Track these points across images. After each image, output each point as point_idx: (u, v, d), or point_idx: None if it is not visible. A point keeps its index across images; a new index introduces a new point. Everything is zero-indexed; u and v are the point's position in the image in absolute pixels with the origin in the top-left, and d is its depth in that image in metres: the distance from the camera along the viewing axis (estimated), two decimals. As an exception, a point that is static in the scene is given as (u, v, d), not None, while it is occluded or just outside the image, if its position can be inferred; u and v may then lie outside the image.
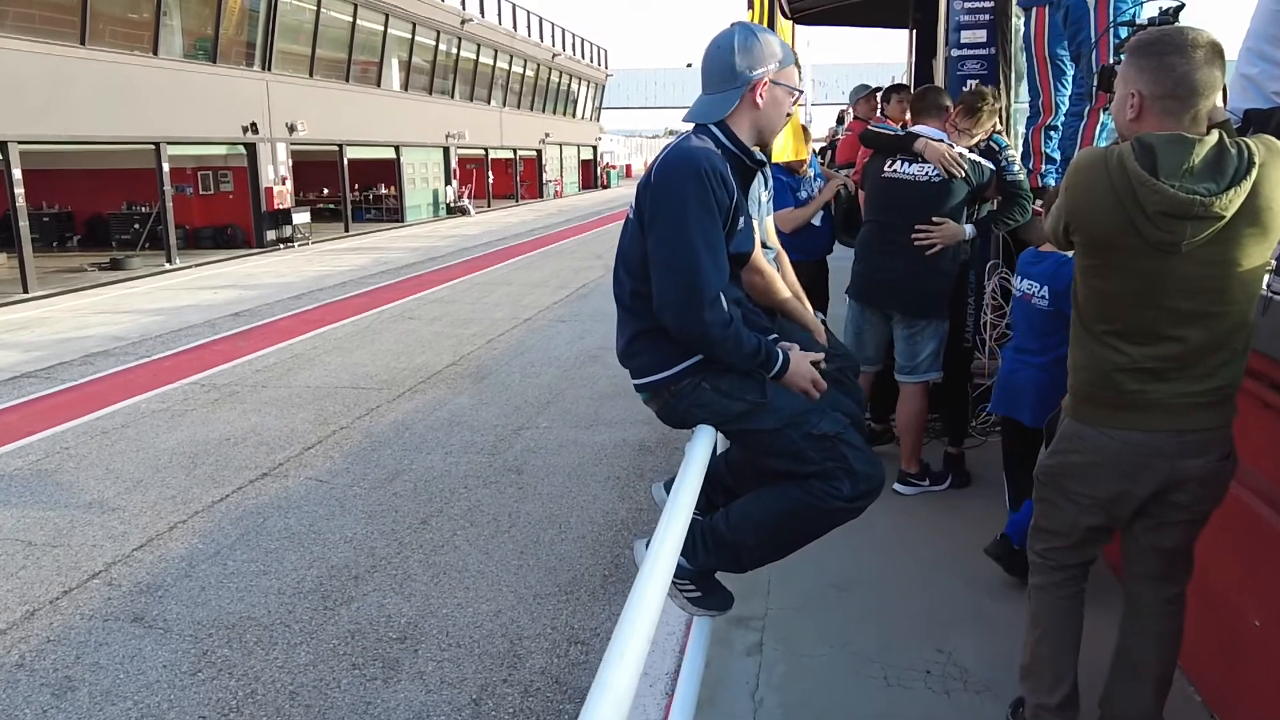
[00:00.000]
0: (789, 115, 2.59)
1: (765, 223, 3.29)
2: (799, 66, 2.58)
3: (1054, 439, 2.68)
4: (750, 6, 5.60)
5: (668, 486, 3.01)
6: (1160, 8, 2.93)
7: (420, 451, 7.19)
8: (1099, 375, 2.47)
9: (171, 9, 20.93)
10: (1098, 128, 4.59)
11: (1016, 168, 4.91)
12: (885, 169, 4.72)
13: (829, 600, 4.14)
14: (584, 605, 4.72)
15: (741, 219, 2.53)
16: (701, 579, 2.73)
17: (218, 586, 5.06)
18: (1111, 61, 2.76)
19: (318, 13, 25.83)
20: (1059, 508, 2.66)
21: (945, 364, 4.97)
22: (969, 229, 4.66)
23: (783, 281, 3.09)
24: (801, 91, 2.58)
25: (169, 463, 7.13)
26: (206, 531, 5.80)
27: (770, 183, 3.41)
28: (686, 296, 2.37)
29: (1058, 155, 5.39)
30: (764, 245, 3.18)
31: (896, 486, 5.03)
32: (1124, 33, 3.85)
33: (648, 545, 2.73)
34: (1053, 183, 5.43)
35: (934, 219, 4.56)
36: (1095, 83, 4.24)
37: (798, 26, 8.53)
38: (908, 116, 5.33)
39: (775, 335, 2.75)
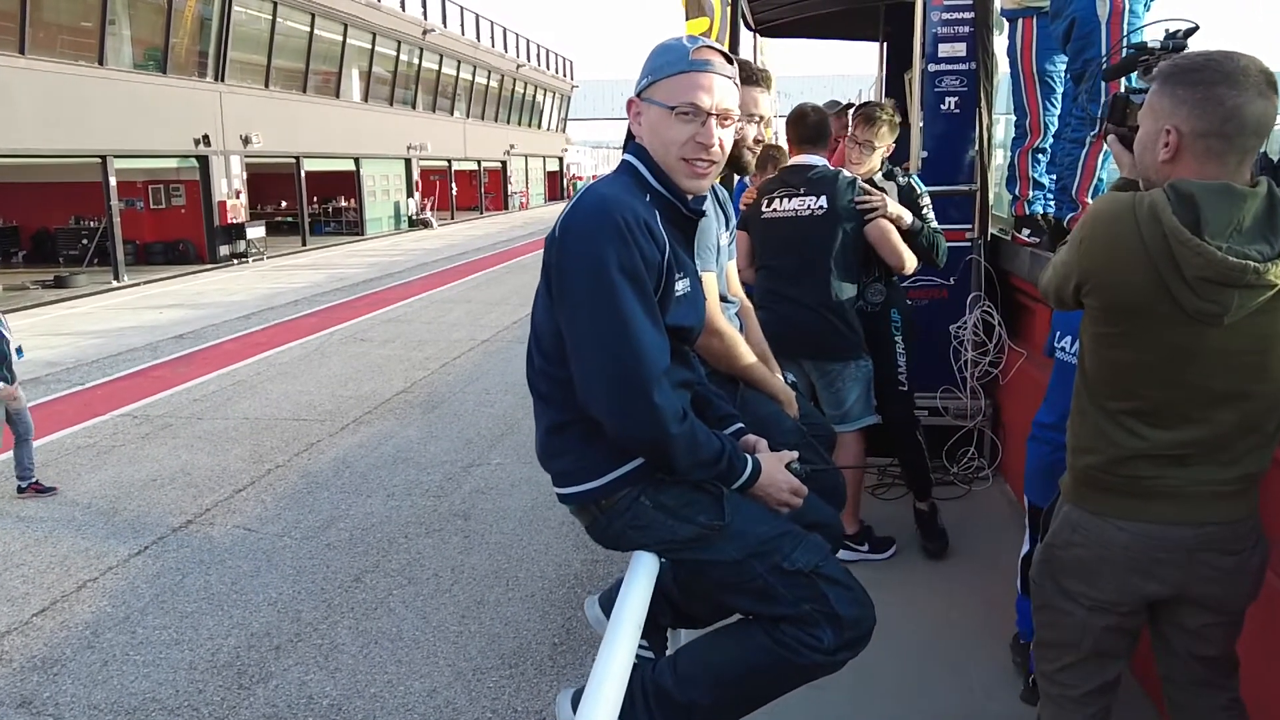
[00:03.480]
0: (704, 144, 1.96)
1: (726, 269, 2.81)
2: (718, 75, 1.95)
3: (1052, 529, 2.25)
4: (689, 16, 5.11)
5: (603, 603, 2.50)
6: (1167, 30, 2.46)
7: (359, 494, 6.67)
8: (1110, 460, 2.05)
9: (120, 18, 20.30)
10: (1101, 156, 4.16)
11: (932, 216, 4.46)
12: (765, 209, 4.23)
13: (801, 703, 3.58)
14: (529, 681, 4.24)
15: (680, 282, 1.99)
16: None
17: (122, 660, 4.54)
18: (1124, 87, 2.28)
19: (273, 22, 25.24)
20: (1062, 612, 2.21)
21: (882, 410, 4.46)
22: (909, 217, 4.15)
23: (746, 344, 2.63)
24: (690, 110, 1.95)
25: (87, 508, 6.58)
26: (118, 592, 5.26)
27: (733, 222, 2.89)
28: (622, 381, 1.85)
29: (1046, 181, 4.98)
30: (724, 299, 2.72)
31: None
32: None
33: (573, 701, 2.26)
34: (1040, 209, 5.02)
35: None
36: (1102, 111, 3.79)
37: (763, 40, 8.13)
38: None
39: (741, 425, 2.26)
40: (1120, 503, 2.06)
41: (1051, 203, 4.91)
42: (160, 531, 6.11)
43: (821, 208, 4.07)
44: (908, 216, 4.12)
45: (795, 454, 2.16)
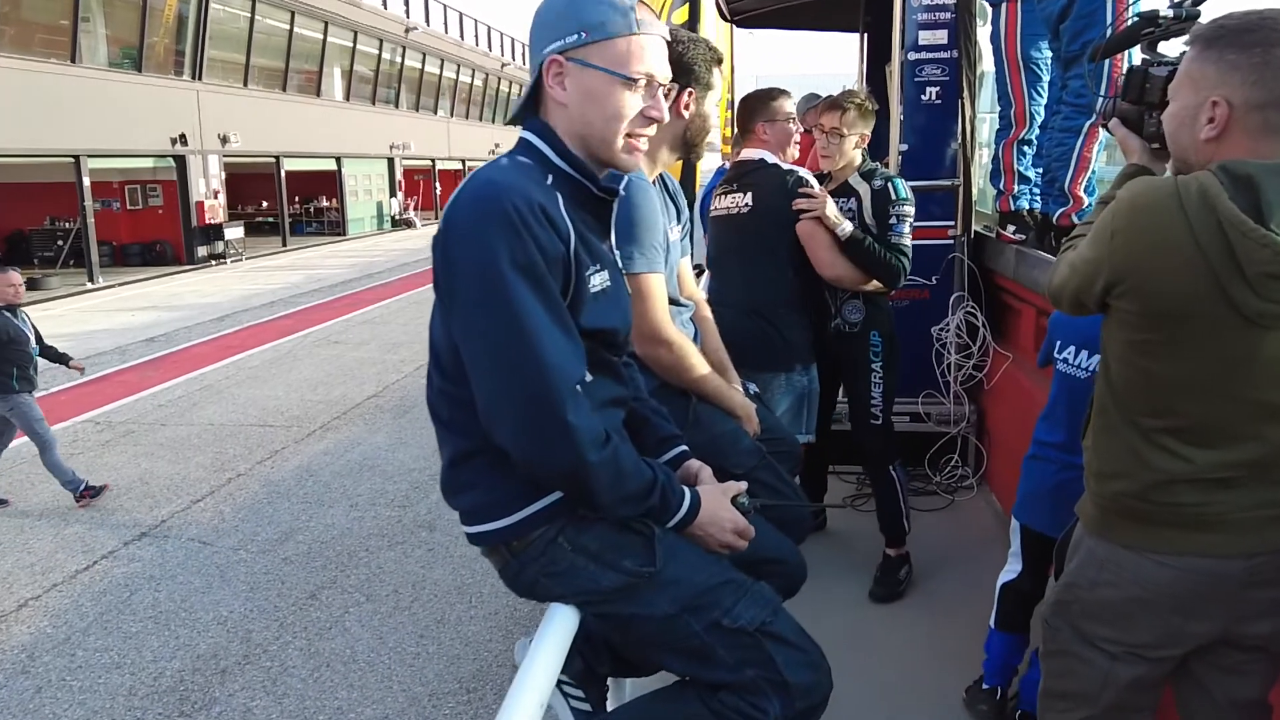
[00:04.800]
0: (655, 118, 1.73)
1: (679, 269, 2.55)
2: (661, 37, 1.71)
3: (1072, 566, 1.95)
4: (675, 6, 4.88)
5: None
6: (1172, 2, 2.18)
7: (321, 505, 6.40)
8: (1146, 485, 1.77)
9: (94, 16, 19.95)
10: (1096, 146, 3.90)
11: (905, 229, 3.85)
12: (714, 206, 3.95)
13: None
14: (488, 708, 3.99)
15: (595, 275, 1.71)
16: None
17: (57, 685, 4.28)
18: (1139, 61, 1.99)
19: (252, 20, 24.88)
20: (1080, 660, 1.92)
21: (855, 442, 4.17)
22: (847, 226, 3.68)
23: (699, 354, 2.37)
24: (645, 80, 1.72)
25: (37, 521, 6.31)
26: (60, 610, 5.00)
27: (684, 215, 2.63)
28: (526, 399, 1.58)
29: (1032, 174, 4.74)
30: (675, 302, 2.46)
31: None
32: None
33: None
34: (1025, 204, 4.79)
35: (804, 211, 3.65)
36: (1107, 91, 3.51)
37: (739, 30, 7.89)
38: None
39: (683, 449, 1.98)
40: (1159, 534, 1.78)
41: (1038, 197, 4.66)
42: (111, 545, 5.84)
43: (747, 205, 3.75)
44: (846, 226, 3.69)
45: (743, 485, 1.88)
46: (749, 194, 3.75)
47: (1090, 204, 3.95)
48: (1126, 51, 3.19)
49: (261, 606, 4.96)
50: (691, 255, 4.65)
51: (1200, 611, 1.77)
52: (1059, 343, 2.78)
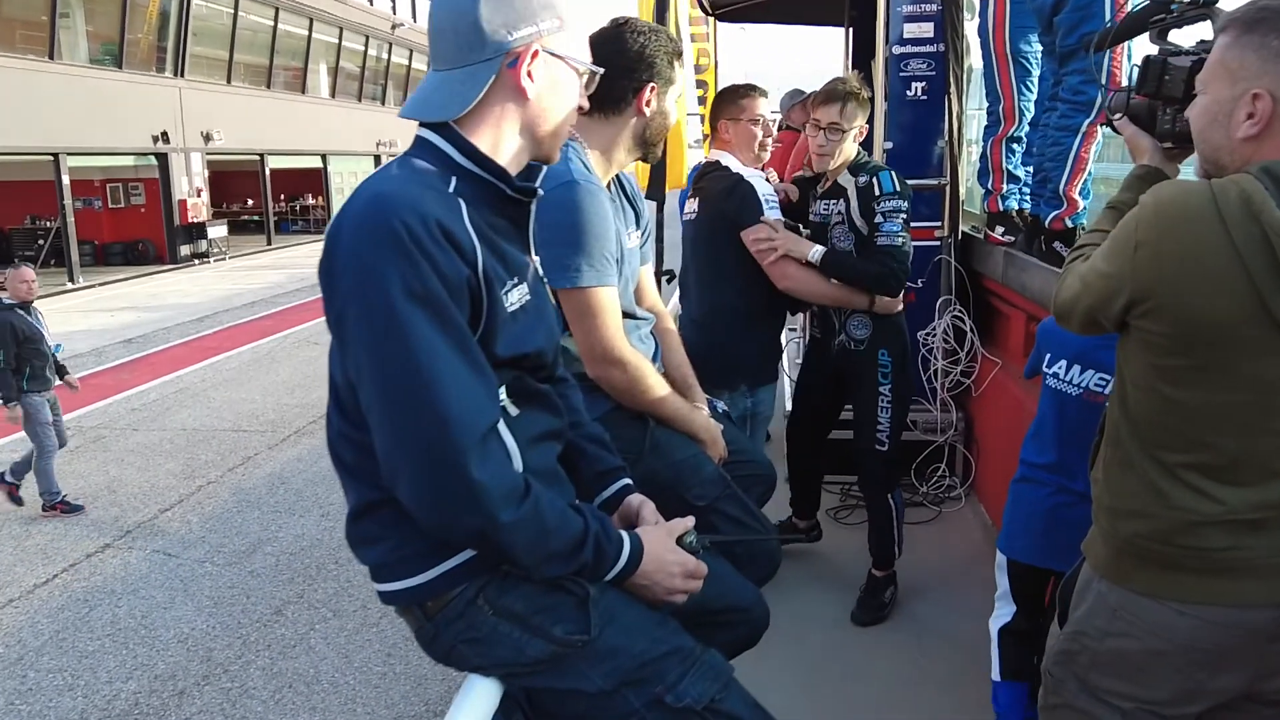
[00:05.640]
0: (581, 108, 1.64)
1: (639, 279, 2.36)
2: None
3: (1080, 613, 1.75)
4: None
5: None
6: None
7: (292, 514, 6.21)
8: (1170, 527, 1.58)
9: (73, 11, 19.68)
10: (1094, 146, 3.70)
11: (896, 227, 3.45)
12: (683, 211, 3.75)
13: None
14: (454, 732, 3.81)
15: (511, 291, 1.49)
16: None
17: (5, 711, 4.09)
18: (1154, 52, 1.81)
19: (235, 15, 24.61)
20: (1088, 717, 1.73)
21: (855, 468, 3.94)
22: (815, 253, 3.37)
23: (657, 373, 2.18)
24: (598, 71, 1.62)
25: (-3, 532, 6.11)
26: (15, 628, 4.81)
27: (643, 219, 2.42)
28: (424, 452, 1.35)
29: (1021, 173, 4.56)
30: (632, 316, 2.26)
31: None
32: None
33: None
34: (1015, 205, 4.61)
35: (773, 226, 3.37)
36: (1108, 85, 3.33)
37: (720, 23, 7.72)
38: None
39: (626, 483, 1.77)
40: (1181, 581, 1.59)
41: (1027, 197, 4.48)
42: (73, 557, 5.65)
43: (693, 213, 3.53)
44: (815, 251, 3.39)
45: (690, 522, 1.67)
46: (697, 200, 3.54)
47: (1085, 207, 3.77)
48: (1126, 44, 3.02)
49: (224, 623, 4.78)
50: (662, 261, 4.45)
51: (1225, 665, 1.59)
52: (1049, 356, 2.57)
